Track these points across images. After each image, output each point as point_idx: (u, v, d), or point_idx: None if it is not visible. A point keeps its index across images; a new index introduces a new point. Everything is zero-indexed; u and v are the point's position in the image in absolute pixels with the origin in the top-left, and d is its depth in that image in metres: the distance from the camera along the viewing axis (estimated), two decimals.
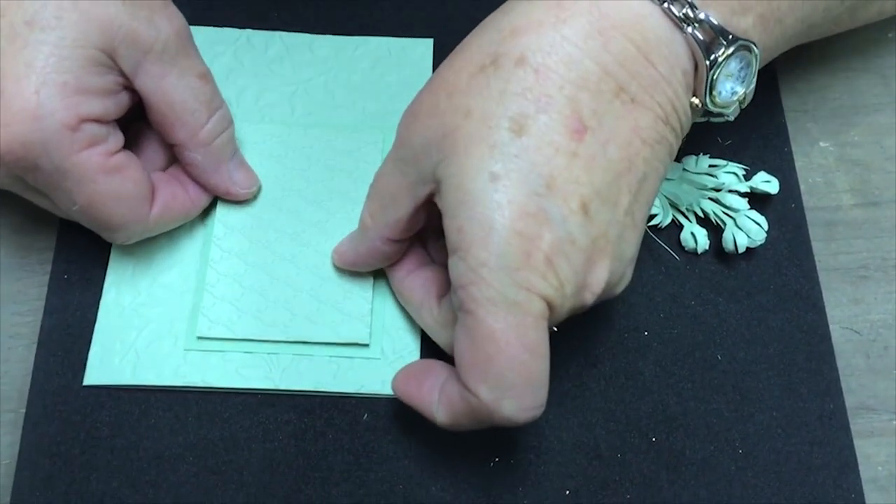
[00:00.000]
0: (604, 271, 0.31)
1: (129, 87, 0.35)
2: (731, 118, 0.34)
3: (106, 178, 0.34)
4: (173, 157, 0.38)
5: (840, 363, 0.39)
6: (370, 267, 0.38)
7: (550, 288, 0.30)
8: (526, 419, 0.31)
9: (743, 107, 0.34)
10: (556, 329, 0.33)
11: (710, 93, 0.32)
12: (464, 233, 0.30)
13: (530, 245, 0.30)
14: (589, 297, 0.32)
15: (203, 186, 0.39)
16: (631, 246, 0.32)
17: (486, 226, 0.30)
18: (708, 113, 0.33)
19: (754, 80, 0.33)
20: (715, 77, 0.32)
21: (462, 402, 0.32)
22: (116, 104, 0.35)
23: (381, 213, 0.35)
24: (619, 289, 0.33)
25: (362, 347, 0.38)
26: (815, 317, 0.40)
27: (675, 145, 0.33)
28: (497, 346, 0.30)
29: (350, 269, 0.39)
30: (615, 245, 0.31)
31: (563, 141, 0.30)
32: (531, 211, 0.30)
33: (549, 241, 0.30)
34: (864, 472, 0.37)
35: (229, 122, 0.38)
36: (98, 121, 0.34)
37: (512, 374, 0.30)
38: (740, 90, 0.33)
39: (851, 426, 0.38)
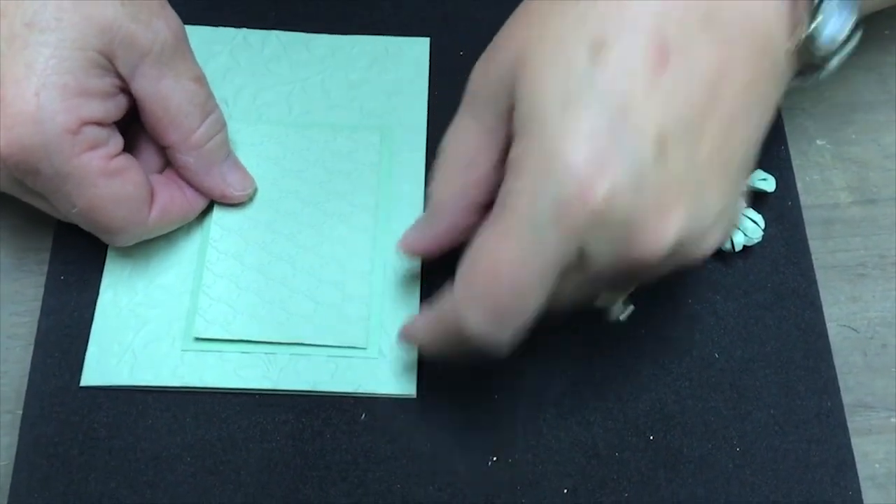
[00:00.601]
0: (675, 221, 0.28)
1: (126, 90, 0.35)
2: (830, 69, 0.32)
3: (106, 182, 0.34)
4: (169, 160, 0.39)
5: (837, 361, 0.39)
6: (443, 250, 0.35)
7: (593, 237, 0.28)
8: (486, 341, 0.30)
9: (842, 57, 0.32)
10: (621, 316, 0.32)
11: (811, 35, 0.30)
12: (526, 155, 0.29)
13: (589, 181, 0.27)
14: (649, 251, 0.28)
15: (198, 189, 0.39)
16: (716, 196, 0.29)
17: (550, 152, 0.28)
18: (806, 66, 0.31)
19: (854, 27, 0.31)
20: (816, 17, 0.30)
21: (444, 301, 0.31)
22: (116, 106, 0.35)
23: (458, 178, 0.33)
24: (704, 248, 0.30)
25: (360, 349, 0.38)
26: (812, 315, 0.40)
27: (773, 93, 0.31)
28: (498, 260, 0.29)
29: (420, 256, 0.37)
30: (693, 194, 0.28)
31: (644, 69, 0.28)
32: (600, 144, 0.27)
33: (613, 178, 0.27)
34: (862, 469, 0.37)
35: (222, 125, 0.38)
36: (98, 123, 0.34)
37: (496, 288, 0.29)
38: (840, 32, 0.31)
39: (849, 424, 0.38)
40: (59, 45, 0.33)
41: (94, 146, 0.34)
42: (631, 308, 0.32)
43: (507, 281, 0.29)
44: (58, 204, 0.35)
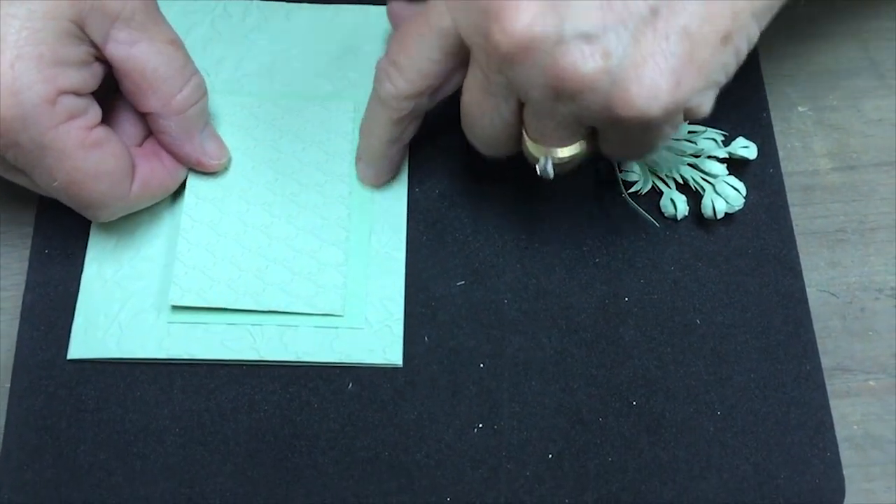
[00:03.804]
0: (595, 55, 0.29)
1: (101, 59, 0.35)
2: None
3: (86, 154, 0.34)
4: (148, 132, 0.38)
5: (817, 325, 0.40)
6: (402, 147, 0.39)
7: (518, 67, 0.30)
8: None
9: None
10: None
11: None
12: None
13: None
14: (572, 73, 0.30)
15: (175, 156, 0.38)
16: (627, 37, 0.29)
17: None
18: None
19: None
20: None
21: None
22: (92, 75, 0.35)
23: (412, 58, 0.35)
24: (630, 89, 0.29)
25: (345, 317, 0.38)
26: (792, 280, 0.40)
27: None
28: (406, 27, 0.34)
29: (379, 170, 0.40)
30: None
31: None
32: None
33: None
34: (840, 431, 0.38)
35: (204, 92, 0.38)
36: (76, 93, 0.34)
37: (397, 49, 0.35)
38: None
39: (828, 386, 0.39)
40: (30, 16, 0.32)
41: (72, 116, 0.34)
42: (551, 163, 0.34)
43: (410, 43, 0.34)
44: (38, 178, 0.35)
